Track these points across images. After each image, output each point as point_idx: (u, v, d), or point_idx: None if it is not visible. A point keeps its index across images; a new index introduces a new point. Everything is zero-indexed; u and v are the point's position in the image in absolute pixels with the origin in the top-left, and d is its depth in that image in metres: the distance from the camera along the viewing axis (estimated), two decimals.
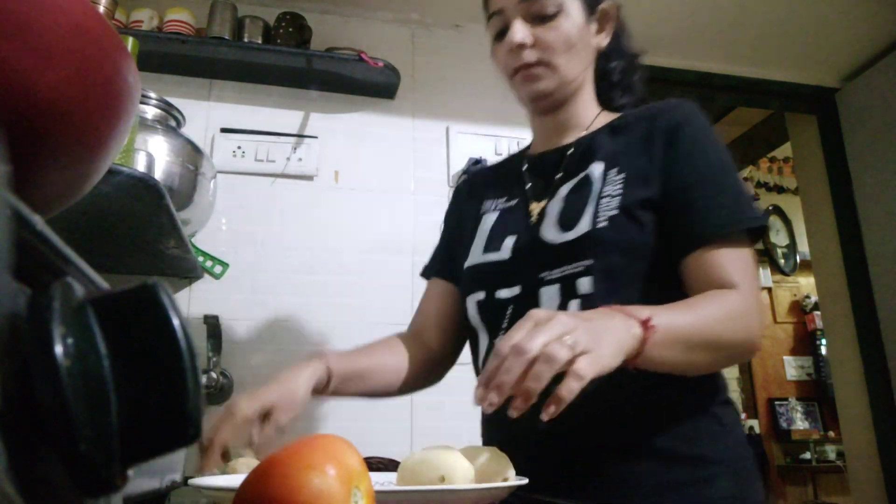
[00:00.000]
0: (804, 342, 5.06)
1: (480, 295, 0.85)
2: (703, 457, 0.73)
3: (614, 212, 0.75)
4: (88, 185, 0.32)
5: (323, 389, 0.80)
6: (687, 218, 0.74)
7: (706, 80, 2.32)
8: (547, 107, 0.89)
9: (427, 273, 1.05)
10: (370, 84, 1.80)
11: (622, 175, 0.78)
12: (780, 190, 4.44)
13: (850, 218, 2.33)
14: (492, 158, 1.80)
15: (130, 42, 0.91)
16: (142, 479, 0.64)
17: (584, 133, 0.89)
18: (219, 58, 1.67)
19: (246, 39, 1.69)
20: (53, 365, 0.16)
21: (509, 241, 0.84)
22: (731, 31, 2.15)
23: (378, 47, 1.83)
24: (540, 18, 0.83)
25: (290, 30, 1.72)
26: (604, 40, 0.89)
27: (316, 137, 1.77)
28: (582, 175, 0.82)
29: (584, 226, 0.76)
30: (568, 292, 0.76)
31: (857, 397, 2.26)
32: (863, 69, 2.33)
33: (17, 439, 0.15)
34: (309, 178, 1.75)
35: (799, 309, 5.12)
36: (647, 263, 0.75)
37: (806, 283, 5.00)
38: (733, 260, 0.72)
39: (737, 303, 0.69)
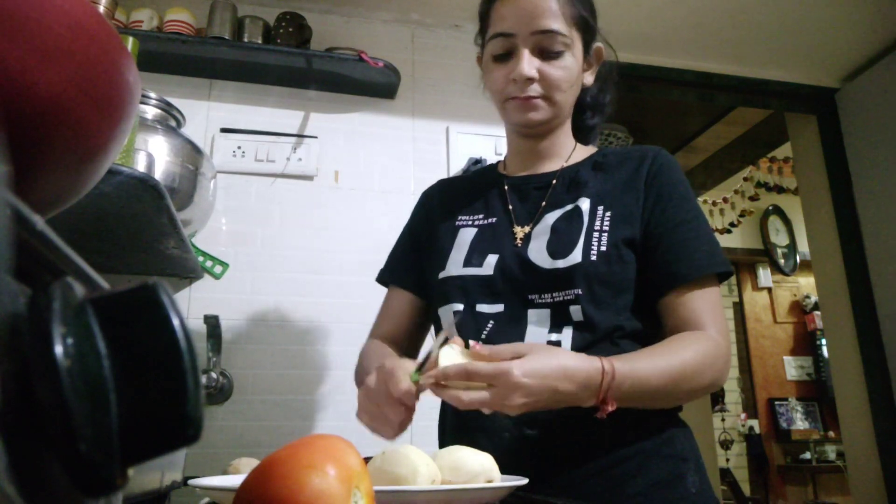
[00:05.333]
0: (804, 342, 5.06)
1: (458, 306, 0.86)
2: (678, 455, 0.79)
3: (604, 247, 0.80)
4: (88, 185, 0.32)
5: None
6: (667, 259, 0.80)
7: (706, 80, 2.32)
8: (534, 133, 0.92)
9: (388, 279, 1.03)
10: (370, 84, 1.80)
11: (609, 213, 0.83)
12: (780, 190, 4.44)
13: (850, 218, 2.33)
14: (492, 158, 1.80)
15: (130, 42, 0.90)
16: (142, 479, 0.64)
17: (564, 164, 0.92)
18: (219, 58, 1.67)
19: (246, 39, 1.69)
20: (53, 365, 0.16)
21: (491, 259, 0.86)
22: (731, 31, 2.15)
23: (378, 47, 1.84)
24: (547, 53, 0.85)
25: (290, 30, 1.72)
26: (589, 78, 0.93)
27: (316, 137, 1.77)
28: (571, 207, 0.86)
29: (575, 256, 0.80)
30: (561, 318, 0.80)
31: (857, 397, 2.26)
32: (863, 69, 2.33)
33: (17, 439, 0.15)
34: (309, 178, 1.75)
35: (799, 309, 5.12)
36: (630, 297, 0.81)
37: (806, 283, 5.01)
38: (705, 301, 0.79)
39: (710, 349, 0.75)
